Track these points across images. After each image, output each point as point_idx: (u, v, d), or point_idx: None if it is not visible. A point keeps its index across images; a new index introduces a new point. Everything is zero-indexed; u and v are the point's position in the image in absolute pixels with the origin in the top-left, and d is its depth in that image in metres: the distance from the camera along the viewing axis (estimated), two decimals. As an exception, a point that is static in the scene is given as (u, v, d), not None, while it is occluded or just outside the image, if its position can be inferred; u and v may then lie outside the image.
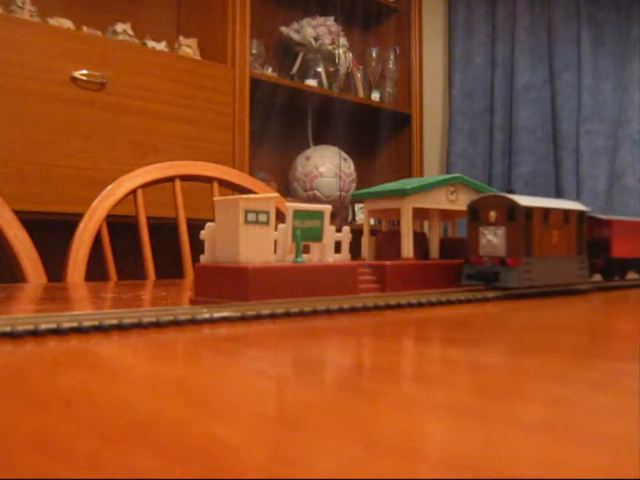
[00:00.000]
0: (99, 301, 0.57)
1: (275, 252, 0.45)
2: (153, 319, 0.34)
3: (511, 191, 0.53)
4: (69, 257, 0.92)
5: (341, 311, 0.41)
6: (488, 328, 0.37)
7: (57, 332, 0.31)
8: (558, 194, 2.17)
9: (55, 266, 0.96)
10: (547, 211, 0.53)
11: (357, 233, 0.55)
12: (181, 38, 1.82)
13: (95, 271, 0.97)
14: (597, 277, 0.63)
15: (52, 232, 1.33)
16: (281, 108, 2.09)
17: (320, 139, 2.20)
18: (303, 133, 2.22)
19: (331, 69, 2.12)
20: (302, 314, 0.39)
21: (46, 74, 1.44)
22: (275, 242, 0.45)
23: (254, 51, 1.93)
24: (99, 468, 0.13)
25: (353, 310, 0.41)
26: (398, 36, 2.39)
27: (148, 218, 1.04)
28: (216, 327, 0.34)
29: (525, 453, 0.14)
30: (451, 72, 2.44)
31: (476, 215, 0.53)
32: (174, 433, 0.16)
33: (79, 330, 0.31)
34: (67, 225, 1.05)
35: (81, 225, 0.95)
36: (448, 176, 0.58)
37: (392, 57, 2.31)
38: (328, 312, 0.40)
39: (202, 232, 0.46)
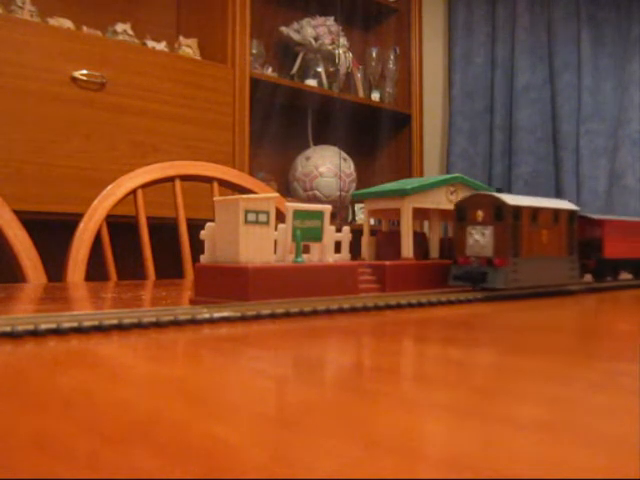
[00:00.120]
0: (99, 301, 0.57)
1: (275, 252, 0.45)
2: (153, 319, 0.34)
3: (499, 190, 0.53)
4: (69, 257, 0.92)
5: (341, 311, 0.41)
6: (488, 328, 0.37)
7: (57, 332, 0.31)
8: (558, 194, 2.17)
9: (55, 266, 0.96)
10: (536, 211, 0.52)
11: (357, 233, 0.55)
12: (181, 38, 1.82)
13: (95, 271, 0.97)
14: (589, 278, 0.62)
15: (52, 232, 1.33)
16: (281, 108, 2.09)
17: (320, 139, 2.20)
18: (303, 133, 2.22)
19: (331, 69, 2.12)
20: (302, 314, 0.39)
21: (46, 74, 1.44)
22: (275, 242, 0.45)
23: (254, 51, 1.93)
24: (99, 468, 0.13)
25: (353, 310, 0.41)
26: (398, 36, 2.39)
27: (148, 218, 1.04)
28: (216, 327, 0.34)
29: (524, 453, 0.14)
30: (451, 72, 2.44)
31: (463, 214, 0.52)
32: (174, 433, 0.16)
33: (79, 330, 0.31)
34: (67, 225, 1.05)
35: (81, 225, 0.95)
36: (448, 176, 0.58)
37: (392, 57, 2.31)
38: (328, 312, 0.40)
39: (202, 232, 0.46)
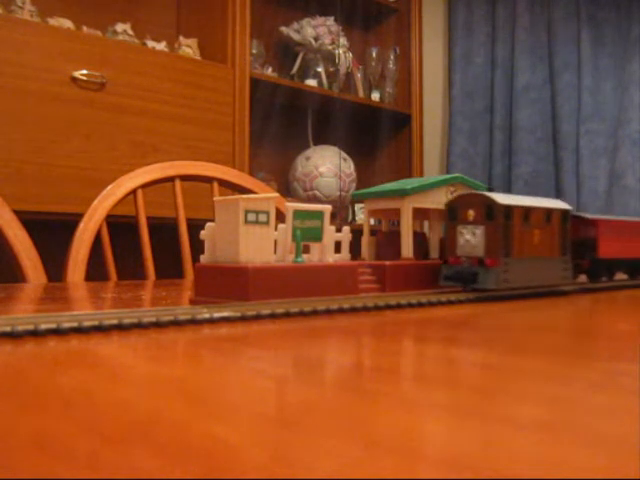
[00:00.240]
0: (99, 301, 0.57)
1: (275, 252, 0.45)
2: (153, 319, 0.34)
3: (491, 189, 0.52)
4: (69, 257, 0.92)
5: (341, 311, 0.41)
6: (487, 328, 0.37)
7: (57, 332, 0.31)
8: (558, 194, 2.17)
9: (55, 266, 0.96)
10: (528, 210, 0.51)
11: (357, 233, 0.55)
12: (181, 38, 1.82)
13: (95, 271, 0.97)
14: (583, 278, 0.62)
15: (52, 232, 1.33)
16: (281, 108, 2.09)
17: (320, 139, 2.20)
18: (303, 133, 2.21)
19: (331, 69, 2.12)
20: (302, 314, 0.39)
21: (46, 74, 1.44)
22: (275, 242, 0.45)
23: (254, 51, 1.93)
24: (99, 468, 0.13)
25: (353, 310, 0.41)
26: (398, 36, 2.39)
27: (148, 218, 1.04)
28: (216, 327, 0.34)
29: (524, 453, 0.14)
30: (451, 72, 2.44)
31: (454, 214, 0.51)
32: (174, 433, 0.16)
33: (79, 330, 0.31)
34: (67, 225, 1.05)
35: (81, 225, 0.95)
36: (448, 176, 0.58)
37: (392, 57, 2.31)
38: (328, 312, 0.40)
39: (202, 232, 0.46)
